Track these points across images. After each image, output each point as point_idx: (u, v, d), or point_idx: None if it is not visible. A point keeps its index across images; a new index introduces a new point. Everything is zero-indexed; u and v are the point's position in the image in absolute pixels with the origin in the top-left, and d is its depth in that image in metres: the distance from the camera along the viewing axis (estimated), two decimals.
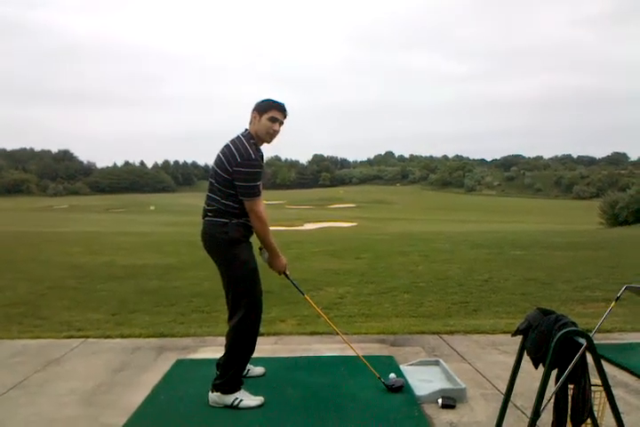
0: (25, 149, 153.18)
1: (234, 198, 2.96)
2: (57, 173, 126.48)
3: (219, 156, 3.02)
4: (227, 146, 3.02)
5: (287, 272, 3.21)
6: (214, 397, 2.99)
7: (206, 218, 3.07)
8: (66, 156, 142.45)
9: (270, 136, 3.09)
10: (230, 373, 2.99)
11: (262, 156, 3.11)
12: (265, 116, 3.03)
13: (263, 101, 3.08)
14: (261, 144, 3.10)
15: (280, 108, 3.07)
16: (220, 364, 3.08)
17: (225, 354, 3.04)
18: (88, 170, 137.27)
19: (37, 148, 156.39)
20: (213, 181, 3.03)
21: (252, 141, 3.01)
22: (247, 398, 2.99)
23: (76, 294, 6.83)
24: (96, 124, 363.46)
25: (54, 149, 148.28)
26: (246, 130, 3.10)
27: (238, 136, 3.05)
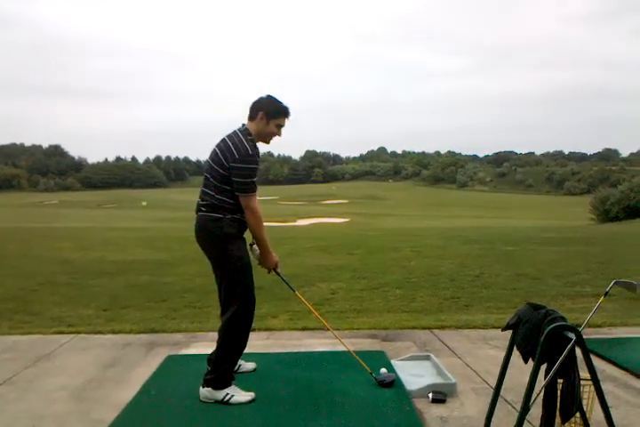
0: (15, 144, 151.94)
1: (228, 194, 2.93)
2: (48, 169, 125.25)
3: (215, 150, 2.99)
4: (223, 141, 2.98)
5: (278, 269, 3.20)
6: (205, 392, 2.99)
7: (200, 213, 3.04)
8: (57, 151, 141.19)
9: (271, 139, 3.09)
10: (222, 368, 2.98)
11: (259, 152, 3.09)
12: (273, 122, 3.01)
13: (274, 104, 3.02)
14: (258, 142, 3.08)
15: (288, 115, 3.07)
16: (211, 359, 3.06)
17: (216, 349, 3.03)
18: (79, 165, 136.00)
19: (28, 143, 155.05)
20: (208, 176, 2.99)
21: (249, 137, 2.97)
22: (238, 394, 2.98)
23: (66, 290, 6.80)
24: (87, 119, 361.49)
25: (45, 145, 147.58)
26: (243, 125, 3.06)
27: (235, 131, 3.02)
